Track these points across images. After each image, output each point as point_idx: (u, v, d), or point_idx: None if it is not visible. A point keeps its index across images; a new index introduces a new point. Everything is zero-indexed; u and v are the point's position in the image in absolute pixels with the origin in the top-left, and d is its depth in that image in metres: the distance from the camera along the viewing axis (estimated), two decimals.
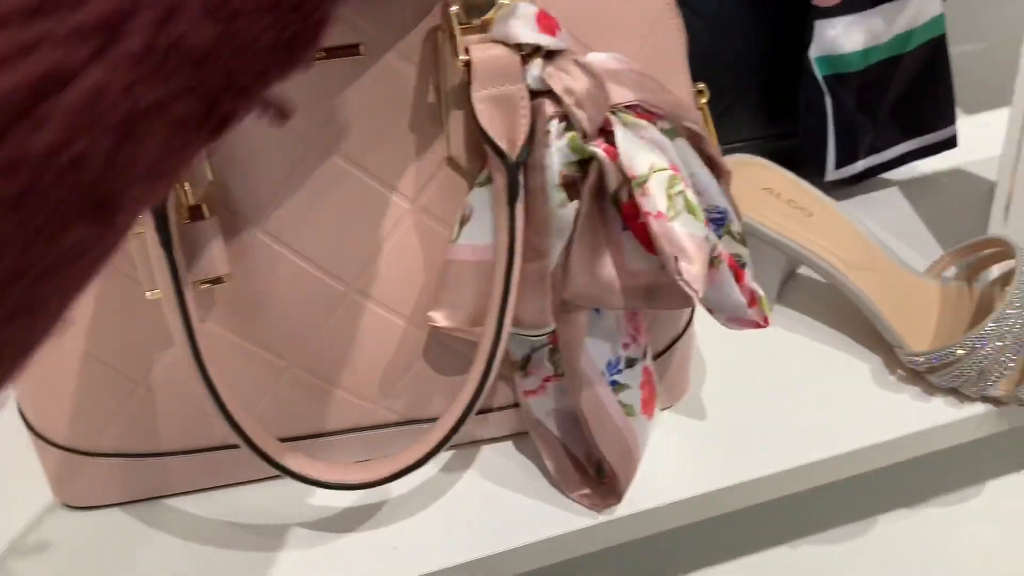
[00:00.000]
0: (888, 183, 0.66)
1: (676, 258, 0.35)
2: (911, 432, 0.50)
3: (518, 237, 0.36)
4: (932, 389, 0.52)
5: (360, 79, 0.37)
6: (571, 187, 0.37)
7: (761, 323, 0.40)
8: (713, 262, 0.38)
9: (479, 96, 0.35)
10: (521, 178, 0.36)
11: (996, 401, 0.51)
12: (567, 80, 0.35)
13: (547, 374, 0.43)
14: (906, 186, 0.66)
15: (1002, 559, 0.63)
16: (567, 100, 0.35)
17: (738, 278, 0.39)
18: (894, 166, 0.63)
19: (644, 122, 0.37)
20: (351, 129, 0.37)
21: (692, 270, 0.35)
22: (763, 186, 0.55)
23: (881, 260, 0.54)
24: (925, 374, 0.52)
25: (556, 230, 0.37)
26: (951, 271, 0.56)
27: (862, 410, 0.51)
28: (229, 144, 0.36)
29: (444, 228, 0.40)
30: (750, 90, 0.60)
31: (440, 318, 0.40)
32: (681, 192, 0.35)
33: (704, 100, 0.44)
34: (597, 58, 0.37)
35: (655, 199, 0.35)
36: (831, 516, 0.63)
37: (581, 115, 0.35)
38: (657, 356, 0.47)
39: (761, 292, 0.40)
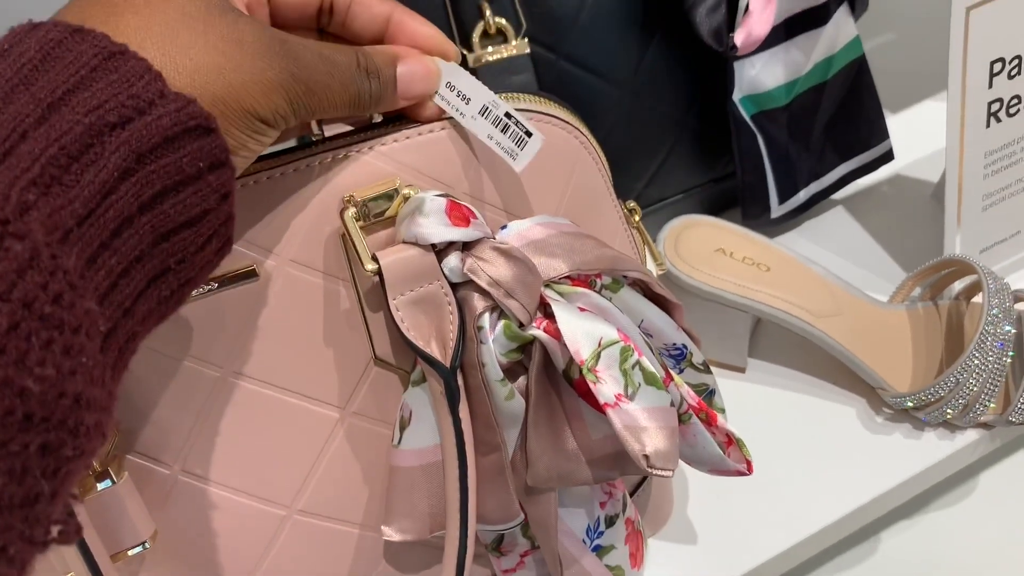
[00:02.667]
0: (832, 203, 0.65)
1: (645, 455, 0.32)
2: (909, 476, 0.49)
3: (467, 440, 0.33)
4: (921, 424, 0.51)
5: (263, 298, 0.33)
6: (518, 370, 0.35)
7: (744, 470, 0.37)
8: (682, 419, 0.36)
9: (397, 303, 0.32)
10: (460, 380, 0.33)
11: (986, 426, 0.51)
12: (491, 270, 0.32)
13: (524, 549, 0.40)
14: (850, 202, 0.65)
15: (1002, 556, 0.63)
16: (495, 292, 0.33)
17: (711, 421, 0.37)
18: (836, 189, 0.62)
19: (582, 289, 0.35)
20: (261, 350, 0.34)
21: (662, 449, 0.32)
22: (716, 247, 0.53)
23: (845, 301, 0.53)
24: (912, 412, 0.50)
25: (507, 421, 0.34)
26: (916, 292, 0.55)
27: (855, 463, 0.50)
28: (127, 392, 0.32)
29: (384, 427, 0.37)
30: (682, 141, 0.58)
31: (393, 532, 0.36)
32: (636, 364, 0.33)
33: (637, 217, 0.41)
34: (520, 228, 0.35)
35: (608, 384, 0.33)
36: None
37: (513, 305, 0.33)
38: (634, 491, 0.45)
39: (738, 434, 0.38)
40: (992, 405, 0.49)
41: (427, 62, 0.33)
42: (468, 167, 0.35)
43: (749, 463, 0.38)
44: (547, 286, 0.34)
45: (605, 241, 0.39)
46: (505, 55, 0.49)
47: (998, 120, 0.52)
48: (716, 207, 0.64)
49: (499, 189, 0.36)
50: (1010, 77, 0.51)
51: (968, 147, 0.52)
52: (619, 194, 0.58)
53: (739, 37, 0.50)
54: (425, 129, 0.34)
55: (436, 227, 0.32)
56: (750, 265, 0.53)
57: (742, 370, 0.55)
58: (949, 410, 0.49)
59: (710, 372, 0.41)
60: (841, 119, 0.60)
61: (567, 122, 0.37)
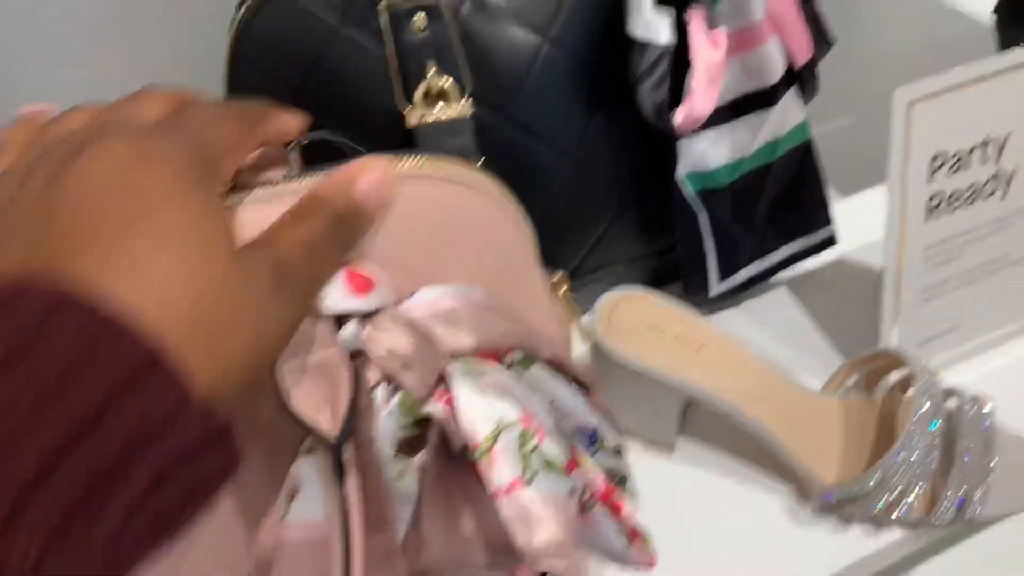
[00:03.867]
0: (775, 283, 0.64)
1: (534, 546, 0.31)
2: (831, 573, 0.48)
3: (354, 519, 0.31)
4: (846, 518, 0.50)
5: None
6: (414, 445, 0.33)
7: (647, 566, 0.36)
8: (586, 507, 0.34)
9: (286, 368, 0.31)
10: (350, 454, 0.31)
11: (913, 525, 0.49)
12: (388, 341, 0.31)
13: None
14: (793, 284, 0.64)
15: None
16: (391, 364, 0.31)
17: (615, 512, 0.35)
18: (778, 271, 0.62)
19: (489, 365, 0.33)
20: None
21: (554, 540, 0.31)
22: (649, 323, 0.52)
23: (777, 386, 0.52)
24: (841, 507, 0.49)
25: (399, 499, 0.33)
26: (852, 381, 0.55)
27: (776, 554, 0.48)
28: None
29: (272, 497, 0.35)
30: (626, 212, 0.58)
31: None
32: (535, 448, 0.31)
33: (564, 289, 0.40)
34: (429, 297, 0.33)
35: (503, 469, 0.31)
36: None
37: (410, 378, 0.31)
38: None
39: (643, 529, 0.36)
40: (917, 504, 0.48)
41: (377, 169, 0.32)
42: (381, 229, 0.34)
43: (652, 558, 0.36)
44: (452, 360, 0.33)
45: (527, 312, 0.38)
46: (447, 116, 0.48)
47: (939, 215, 0.51)
48: (660, 278, 0.63)
49: (412, 254, 0.35)
50: (952, 172, 0.51)
51: (908, 240, 0.51)
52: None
53: (679, 116, 0.50)
54: None
55: (332, 296, 0.31)
56: (683, 343, 0.52)
57: (670, 449, 0.54)
58: (874, 506, 0.48)
59: (623, 456, 0.40)
60: (785, 202, 0.59)
61: (488, 191, 0.36)
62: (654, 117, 0.50)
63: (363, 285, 0.32)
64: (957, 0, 0.93)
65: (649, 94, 0.50)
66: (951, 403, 0.51)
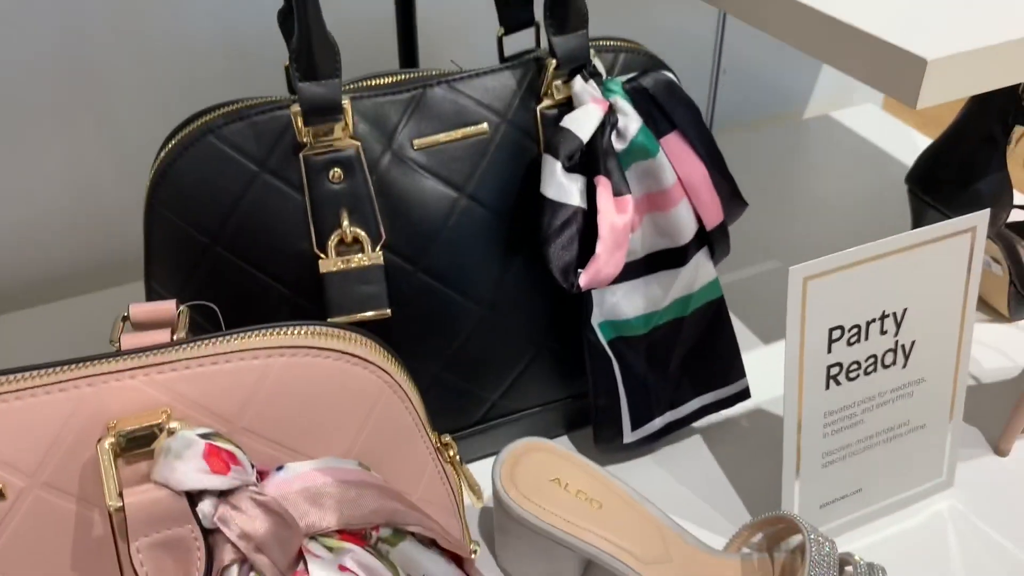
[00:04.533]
0: (691, 431, 0.65)
1: None
2: None
3: None
4: None
5: (9, 519, 0.31)
6: None
7: None
8: None
9: (139, 545, 0.31)
10: None
11: None
12: (243, 522, 0.31)
13: None
14: (708, 433, 0.65)
15: None
16: (244, 546, 0.31)
17: None
18: (693, 420, 0.62)
19: (350, 544, 0.33)
20: (5, 572, 0.32)
21: None
22: (552, 476, 0.52)
23: (677, 547, 0.52)
24: None
25: None
26: (756, 539, 0.55)
27: None
28: None
29: None
30: (541, 357, 0.58)
31: None
32: None
33: (452, 452, 0.41)
34: (295, 472, 0.34)
35: None
36: None
37: (262, 561, 0.31)
38: None
39: None
40: None
41: None
42: (251, 401, 0.34)
43: None
44: (313, 539, 0.33)
45: (407, 480, 0.38)
46: (358, 265, 0.49)
47: (838, 383, 0.53)
48: (575, 423, 0.64)
49: (284, 426, 0.35)
50: (849, 344, 0.52)
51: (807, 406, 0.52)
52: (470, 403, 0.58)
53: (584, 277, 0.51)
54: (208, 360, 0.34)
55: (190, 473, 0.31)
56: (583, 500, 0.52)
57: None
58: None
59: None
60: (698, 354, 0.61)
61: (370, 361, 0.37)
62: (561, 276, 0.52)
63: (222, 463, 0.32)
64: (892, 153, 0.97)
65: (558, 254, 0.51)
66: (848, 570, 0.51)
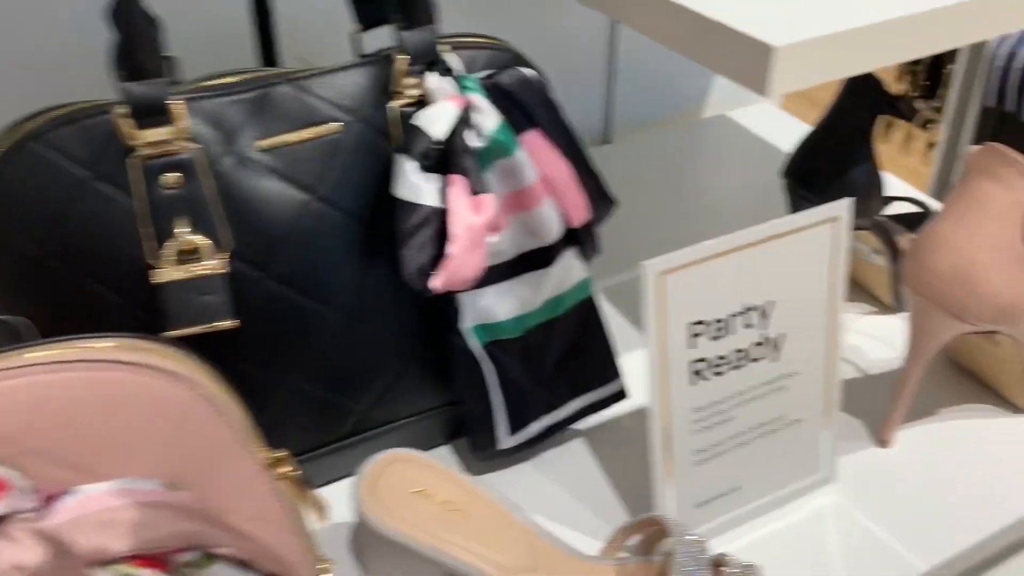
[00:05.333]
0: (573, 433, 0.63)
1: None
2: None
3: None
4: None
5: None
6: None
7: None
8: None
9: None
10: None
11: None
12: (14, 555, 0.29)
13: None
14: (592, 435, 0.63)
15: None
16: None
17: None
18: (572, 422, 0.61)
19: (148, 570, 0.31)
20: None
21: None
22: (415, 488, 0.50)
23: (548, 556, 0.50)
24: None
25: None
26: (633, 542, 0.53)
27: None
28: None
29: None
30: (413, 363, 0.56)
31: None
32: None
33: (285, 468, 0.39)
34: (87, 495, 0.31)
35: None
36: None
37: None
38: None
39: None
40: None
41: None
42: (39, 419, 0.32)
43: None
44: (99, 567, 0.31)
45: (228, 498, 0.35)
46: (198, 273, 0.47)
47: (704, 379, 0.52)
48: (457, 431, 0.62)
49: (80, 445, 0.33)
50: (714, 339, 0.51)
51: (673, 404, 0.51)
52: (337, 415, 0.56)
53: (438, 280, 0.50)
54: None
55: None
56: (450, 511, 0.50)
57: None
58: None
59: None
60: (574, 355, 0.59)
61: (179, 373, 0.35)
62: (416, 279, 0.50)
63: None
64: (787, 150, 0.97)
65: (412, 256, 0.50)
66: (724, 571, 0.50)
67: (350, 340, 0.53)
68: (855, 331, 0.73)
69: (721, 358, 0.52)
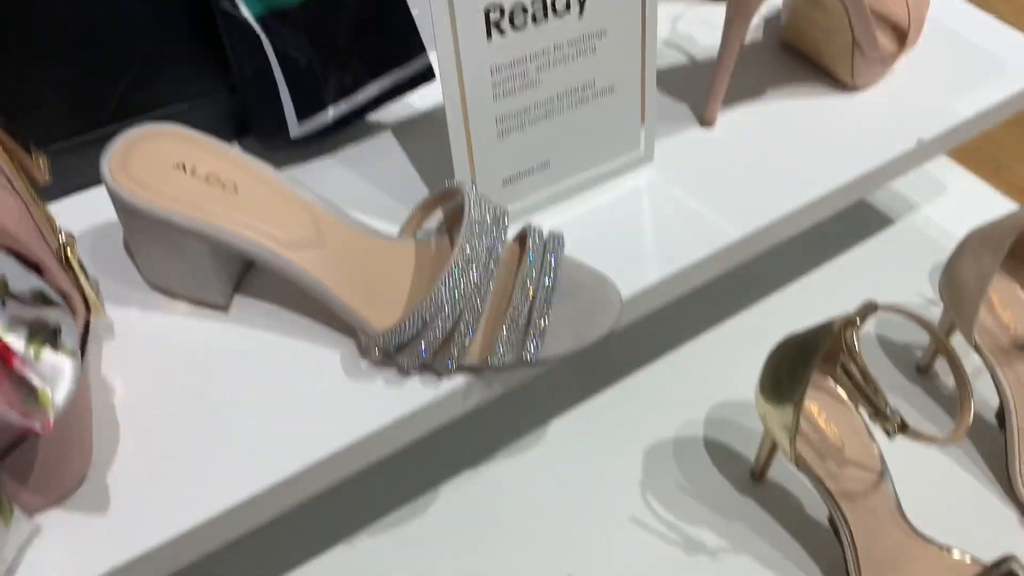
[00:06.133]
0: (381, 126, 0.58)
1: None
2: (383, 425, 0.44)
3: None
4: (403, 369, 0.45)
5: None
6: None
7: (36, 428, 0.29)
8: None
9: None
10: None
11: (474, 370, 0.46)
12: None
13: None
14: (400, 129, 0.58)
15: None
16: None
17: (6, 363, 0.28)
18: (372, 108, 0.55)
19: None
20: None
21: None
22: (175, 162, 0.45)
23: (334, 231, 0.46)
24: (395, 356, 0.45)
25: None
26: (435, 222, 0.50)
27: (330, 411, 0.44)
28: None
29: None
30: (170, 46, 0.49)
31: None
32: None
33: (36, 156, 0.32)
34: None
35: None
36: None
37: None
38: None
39: (40, 384, 0.29)
40: (473, 349, 0.44)
41: None
42: None
43: (48, 422, 0.30)
44: None
45: None
46: None
47: (501, 32, 0.46)
48: (244, 125, 0.55)
49: None
50: None
51: (467, 61, 0.46)
52: (93, 97, 0.49)
53: None
54: None
55: None
56: (214, 185, 0.45)
57: (223, 308, 0.48)
58: (423, 352, 0.44)
59: (52, 304, 0.32)
60: (369, 30, 0.53)
61: None
62: None
63: None
64: None
65: None
66: (530, 240, 0.47)
67: (92, 10, 0.45)
68: (690, 19, 0.69)
69: (520, 6, 0.46)
